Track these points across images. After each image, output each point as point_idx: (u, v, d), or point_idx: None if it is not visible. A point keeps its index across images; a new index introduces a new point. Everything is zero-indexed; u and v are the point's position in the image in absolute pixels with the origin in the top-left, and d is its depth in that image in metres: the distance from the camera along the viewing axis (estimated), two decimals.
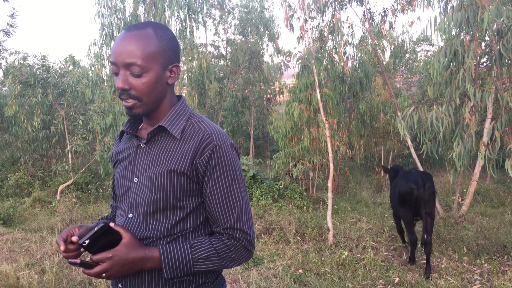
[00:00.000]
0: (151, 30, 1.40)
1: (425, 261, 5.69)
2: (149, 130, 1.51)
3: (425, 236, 5.44)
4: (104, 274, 1.32)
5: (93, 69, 12.51)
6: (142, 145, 1.50)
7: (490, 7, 5.52)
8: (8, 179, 12.03)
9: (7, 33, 14.52)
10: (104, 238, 1.32)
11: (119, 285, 1.50)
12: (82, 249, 1.41)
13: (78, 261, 1.31)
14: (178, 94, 1.62)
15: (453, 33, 6.56)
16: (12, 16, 14.42)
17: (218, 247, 1.40)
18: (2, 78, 16.59)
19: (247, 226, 1.44)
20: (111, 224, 1.37)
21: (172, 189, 1.41)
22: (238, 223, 1.42)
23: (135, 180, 1.49)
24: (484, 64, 8.29)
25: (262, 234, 7.25)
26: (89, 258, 1.35)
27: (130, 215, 1.49)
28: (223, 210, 1.42)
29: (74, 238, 1.34)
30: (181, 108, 1.50)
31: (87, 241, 1.28)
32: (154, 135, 1.49)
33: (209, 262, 1.39)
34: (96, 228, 1.29)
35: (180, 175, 1.40)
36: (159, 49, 1.39)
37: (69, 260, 1.33)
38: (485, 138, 6.50)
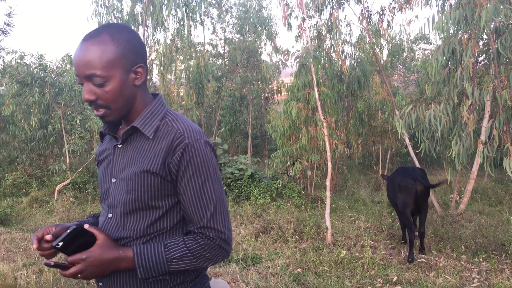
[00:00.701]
0: (107, 36, 1.36)
1: (422, 260, 5.72)
2: (125, 130, 1.51)
3: (420, 228, 6.08)
4: (79, 275, 1.34)
5: None
6: (119, 146, 1.50)
7: (488, 5, 5.52)
8: (6, 178, 12.00)
9: (4, 32, 14.48)
10: (79, 240, 1.34)
11: (100, 284, 1.51)
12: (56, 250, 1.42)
13: (52, 262, 1.32)
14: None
15: (451, 31, 6.56)
16: (9, 15, 14.38)
17: (191, 246, 1.39)
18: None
19: (221, 224, 1.42)
20: (86, 226, 1.37)
21: (146, 189, 1.40)
22: (212, 222, 1.40)
23: (113, 180, 1.49)
24: (482, 62, 8.30)
25: (261, 233, 7.24)
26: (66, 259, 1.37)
27: (110, 215, 1.50)
28: (196, 209, 1.40)
29: (48, 237, 1.34)
30: (155, 107, 1.48)
31: (60, 243, 1.29)
32: (130, 135, 1.48)
33: (182, 261, 1.38)
34: (68, 230, 1.30)
35: (153, 175, 1.39)
36: (117, 54, 1.36)
37: (44, 262, 1.34)
38: (483, 137, 6.51)
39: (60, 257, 4.65)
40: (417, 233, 6.21)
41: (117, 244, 1.41)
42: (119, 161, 1.48)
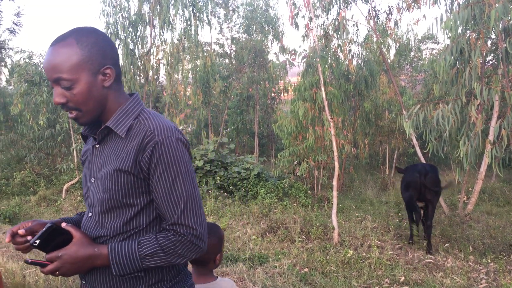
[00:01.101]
0: (72, 40, 1.39)
1: (429, 260, 5.70)
2: None
3: (427, 221, 6.26)
4: (57, 272, 1.38)
5: None
6: (97, 146, 1.53)
7: (497, 5, 5.49)
8: (14, 177, 12.08)
9: (12, 31, 14.59)
10: (57, 238, 1.37)
11: (83, 281, 1.56)
12: (31, 247, 1.44)
13: (29, 260, 1.36)
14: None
15: (459, 31, 6.52)
16: (17, 14, 14.49)
17: (163, 243, 1.40)
18: (8, 77, 16.68)
19: (192, 221, 1.42)
20: (63, 224, 1.41)
21: (120, 187, 1.42)
22: (182, 218, 1.41)
23: (92, 180, 1.53)
24: (490, 62, 8.25)
25: (267, 233, 7.24)
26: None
27: (89, 214, 1.53)
28: (168, 206, 1.41)
29: (21, 231, 1.41)
30: (129, 107, 1.49)
31: (37, 241, 1.33)
32: (105, 135, 1.51)
33: (155, 258, 1.39)
34: (44, 229, 1.34)
35: (126, 173, 1.41)
36: (82, 57, 1.38)
37: (24, 259, 1.40)
38: (491, 137, 6.47)
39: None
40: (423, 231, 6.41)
41: (93, 242, 1.43)
42: (97, 160, 1.52)
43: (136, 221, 1.46)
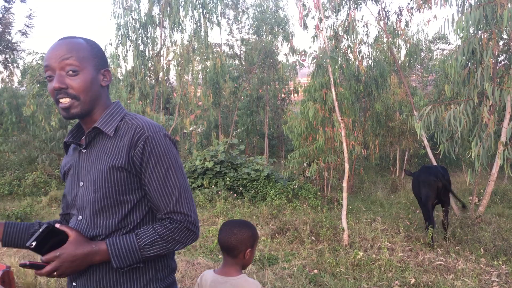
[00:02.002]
0: (81, 39, 1.51)
1: (440, 263, 5.66)
2: None
3: (445, 219, 6.88)
4: (55, 273, 1.38)
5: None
6: (83, 150, 1.56)
7: (509, 5, 5.44)
8: (26, 178, 12.21)
9: (24, 33, 14.75)
10: (52, 239, 1.37)
11: (73, 284, 1.55)
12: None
13: (27, 262, 1.36)
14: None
15: (471, 31, 6.47)
16: (29, 16, 14.65)
17: (161, 231, 1.46)
18: (20, 78, 16.85)
19: (187, 208, 1.50)
20: (57, 225, 1.42)
21: (114, 184, 1.46)
22: (178, 206, 1.48)
23: (81, 184, 1.55)
24: (502, 62, 8.17)
25: (277, 234, 7.23)
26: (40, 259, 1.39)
27: (80, 217, 1.54)
28: (162, 196, 1.48)
29: None
30: (114, 110, 1.57)
31: (33, 243, 1.33)
32: (92, 139, 1.55)
33: (155, 247, 1.45)
34: (40, 230, 1.34)
35: (119, 170, 1.46)
36: (90, 53, 1.50)
37: (20, 263, 1.38)
38: (504, 138, 6.40)
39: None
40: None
41: (88, 240, 1.46)
42: (84, 164, 1.55)
43: (130, 217, 1.51)
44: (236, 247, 2.09)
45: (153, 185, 1.48)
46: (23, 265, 1.35)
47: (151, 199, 1.50)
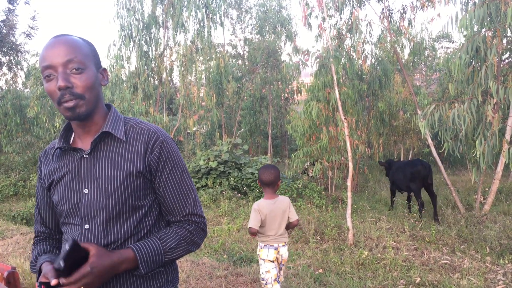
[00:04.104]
0: (79, 38, 1.47)
1: (446, 261, 5.65)
2: (86, 140, 1.51)
3: (434, 199, 8.31)
4: None
5: (112, 70, 12.65)
6: (86, 156, 1.48)
7: None
8: (31, 179, 12.25)
9: (28, 35, 14.80)
10: (73, 256, 1.26)
11: None
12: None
13: (52, 282, 1.24)
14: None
15: (475, 29, 6.45)
16: (33, 18, 14.69)
17: (183, 234, 1.50)
18: (24, 80, 16.91)
19: (201, 210, 1.57)
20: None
21: (130, 190, 1.44)
22: (195, 208, 1.54)
23: (86, 191, 1.47)
24: (506, 60, 8.14)
25: None
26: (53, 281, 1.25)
27: (86, 226, 1.46)
28: (179, 199, 1.51)
29: (54, 282, 1.26)
30: (116, 114, 1.55)
31: (62, 264, 1.21)
32: (97, 144, 1.49)
33: (178, 250, 1.48)
34: (67, 247, 1.22)
35: (137, 175, 1.45)
36: (90, 51, 1.46)
37: (41, 282, 1.28)
38: (508, 136, 6.39)
39: None
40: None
41: (108, 250, 1.39)
42: (89, 171, 1.47)
43: (144, 222, 1.50)
44: (274, 181, 3.56)
45: (171, 189, 1.50)
46: (47, 287, 1.24)
47: (166, 203, 1.52)
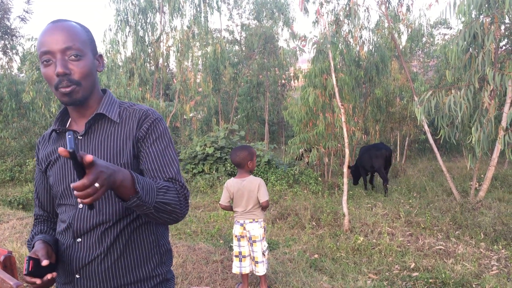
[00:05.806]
0: (77, 24, 1.49)
1: (440, 247, 5.70)
2: (81, 123, 1.54)
3: (385, 180, 9.55)
4: (97, 184, 1.10)
5: (108, 55, 12.57)
6: (80, 137, 1.53)
7: None
8: (27, 164, 12.23)
9: (23, 19, 14.66)
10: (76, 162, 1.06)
11: (77, 276, 1.49)
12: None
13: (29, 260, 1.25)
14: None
15: (473, 15, 6.42)
16: (28, 2, 14.54)
17: (171, 186, 1.45)
18: (19, 65, 16.78)
19: (184, 181, 1.53)
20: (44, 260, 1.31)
21: (125, 167, 1.46)
22: (179, 176, 1.52)
23: None
24: (504, 47, 8.13)
25: (277, 219, 7.27)
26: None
27: (80, 206, 1.49)
28: (163, 164, 1.50)
29: (45, 262, 1.30)
30: (111, 97, 1.59)
31: (71, 150, 1.02)
32: (91, 126, 1.52)
33: (169, 195, 1.39)
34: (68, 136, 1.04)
35: (128, 153, 1.48)
36: (87, 37, 1.48)
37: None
38: (504, 123, 6.40)
39: None
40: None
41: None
42: (83, 151, 1.49)
43: None
44: (241, 163, 3.88)
45: (153, 155, 1.49)
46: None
47: (150, 169, 1.48)
